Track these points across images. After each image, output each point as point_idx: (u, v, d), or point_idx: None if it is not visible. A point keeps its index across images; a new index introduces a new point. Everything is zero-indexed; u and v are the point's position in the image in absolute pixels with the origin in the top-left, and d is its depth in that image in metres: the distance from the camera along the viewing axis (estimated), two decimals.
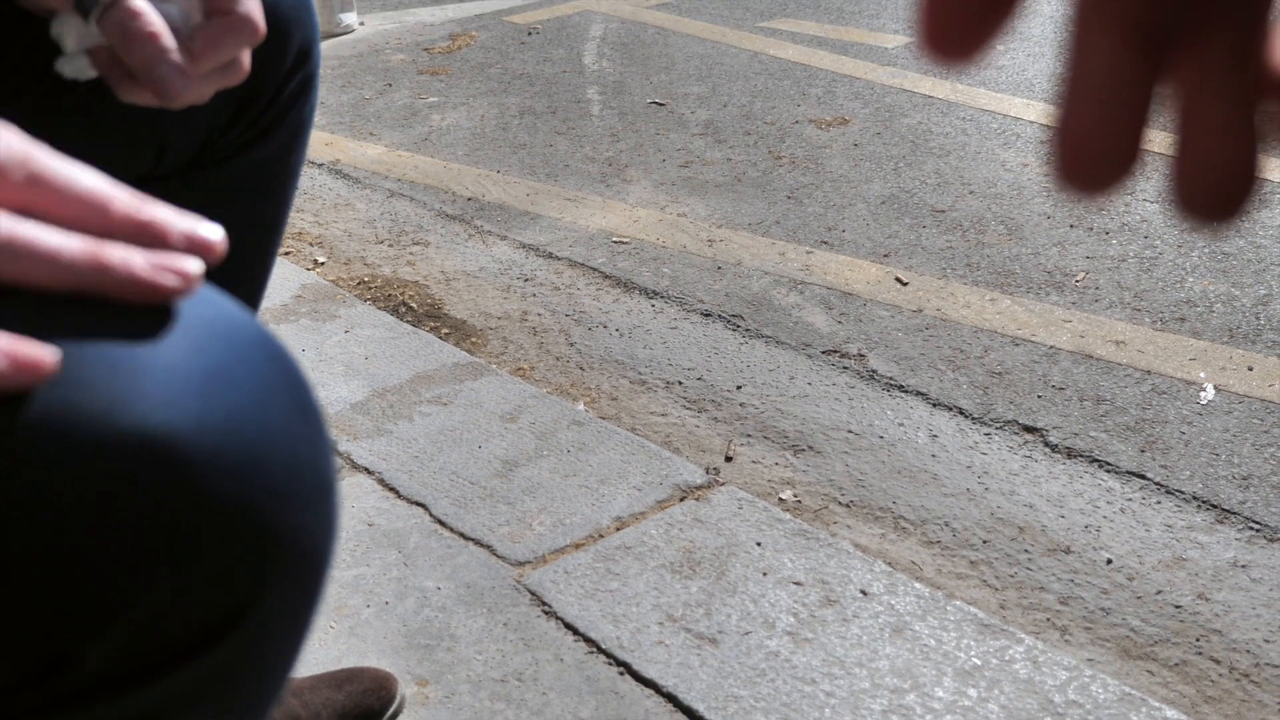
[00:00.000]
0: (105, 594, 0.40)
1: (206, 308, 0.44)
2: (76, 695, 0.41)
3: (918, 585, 1.40)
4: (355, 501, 1.56)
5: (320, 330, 2.06)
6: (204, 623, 0.42)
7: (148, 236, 0.43)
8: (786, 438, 1.82)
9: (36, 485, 0.38)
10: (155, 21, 0.57)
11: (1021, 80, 3.56)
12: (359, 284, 2.35)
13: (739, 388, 1.96)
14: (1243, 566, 1.51)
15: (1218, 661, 1.37)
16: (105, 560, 0.39)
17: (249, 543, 0.42)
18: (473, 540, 1.48)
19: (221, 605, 0.42)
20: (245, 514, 0.42)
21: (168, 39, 0.57)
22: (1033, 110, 3.29)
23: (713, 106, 3.44)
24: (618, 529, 1.50)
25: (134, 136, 0.75)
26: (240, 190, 0.83)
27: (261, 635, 0.44)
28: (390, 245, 2.54)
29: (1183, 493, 1.66)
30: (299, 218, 2.70)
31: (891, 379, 1.98)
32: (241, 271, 0.87)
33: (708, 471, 1.65)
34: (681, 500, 1.56)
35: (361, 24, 4.56)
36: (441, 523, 1.51)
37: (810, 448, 1.79)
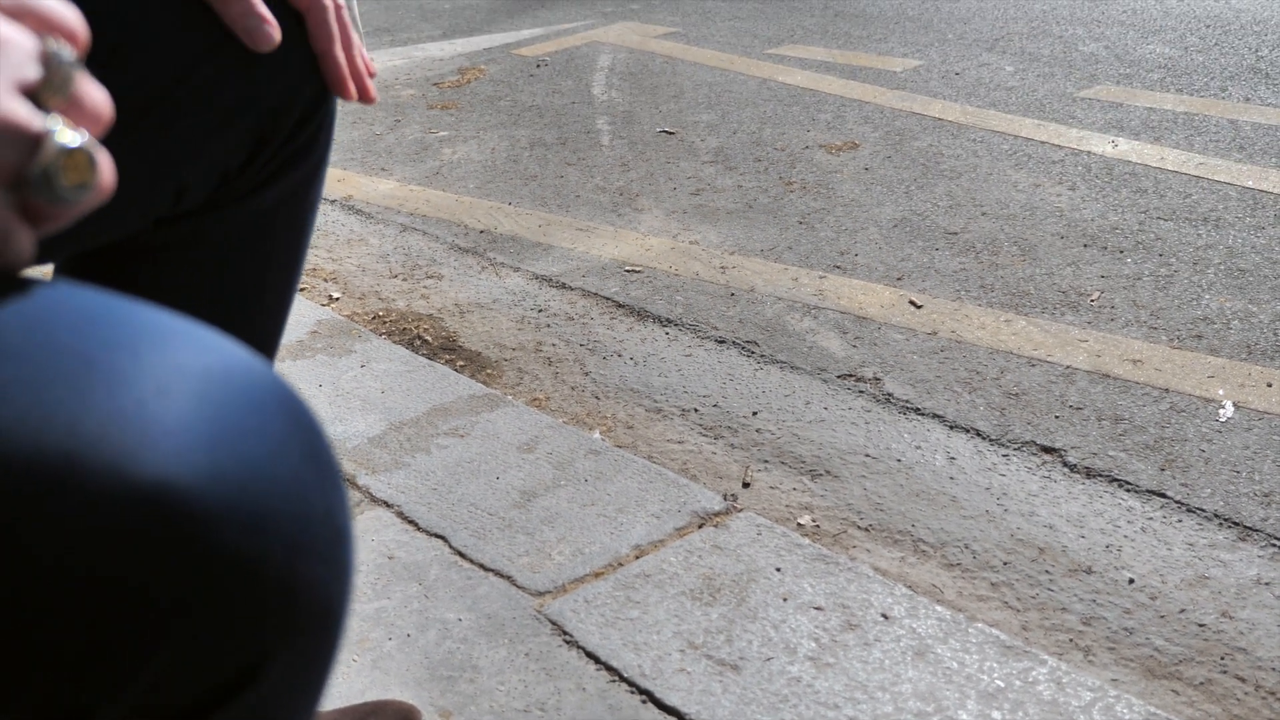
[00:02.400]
0: (117, 653, 0.39)
1: (216, 357, 0.44)
2: None
3: (939, 608, 1.39)
4: (375, 534, 1.56)
5: (336, 365, 2.07)
6: (219, 679, 0.41)
7: None
8: (804, 463, 1.82)
9: (44, 542, 0.38)
10: None
11: (1032, 101, 3.57)
12: (374, 318, 2.36)
13: (755, 414, 1.96)
14: (1266, 584, 1.50)
15: (1243, 679, 1.36)
16: (115, 618, 0.39)
17: (262, 597, 0.42)
18: (493, 571, 1.48)
19: (236, 661, 0.42)
20: (258, 568, 0.41)
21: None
22: (1044, 131, 3.30)
23: (722, 134, 3.46)
24: (637, 557, 1.50)
25: (152, 178, 0.76)
26: (259, 228, 0.84)
27: (278, 689, 0.44)
28: (404, 279, 2.56)
29: (1204, 511, 1.66)
30: (313, 254, 2.72)
31: (908, 402, 1.98)
32: (263, 307, 0.88)
33: (725, 498, 1.65)
34: (700, 527, 1.56)
35: (370, 59, 4.60)
36: (461, 554, 1.52)
37: (828, 472, 1.79)
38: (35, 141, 0.42)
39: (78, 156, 0.43)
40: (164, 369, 0.42)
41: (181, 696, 0.41)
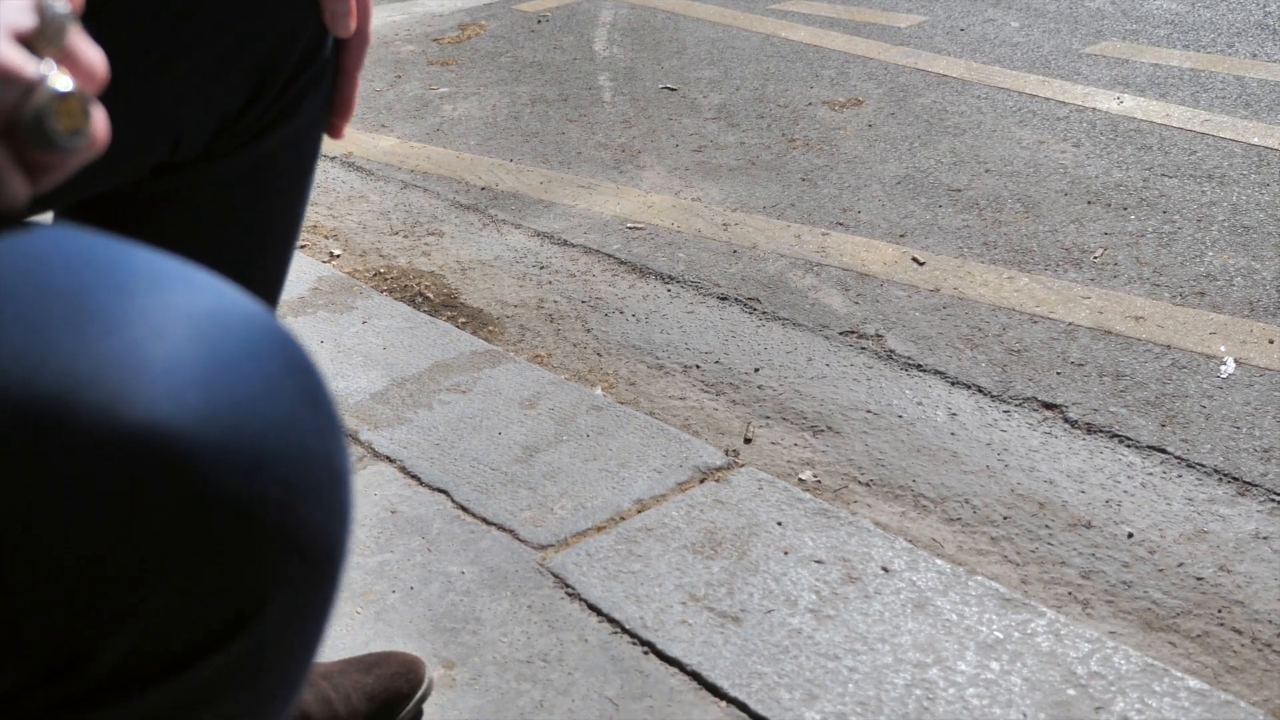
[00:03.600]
0: (114, 593, 0.39)
1: (211, 299, 0.44)
2: (91, 695, 0.40)
3: (939, 562, 1.40)
4: (378, 489, 1.57)
5: (338, 322, 2.07)
6: (217, 620, 0.42)
7: None
8: (805, 419, 1.82)
9: (37, 483, 0.38)
10: None
11: (1037, 57, 3.54)
12: (375, 275, 2.36)
13: (757, 370, 1.96)
14: (1264, 538, 1.51)
15: (1240, 632, 1.37)
16: (112, 558, 0.39)
17: (259, 538, 0.41)
18: (495, 525, 1.49)
19: (234, 602, 0.42)
20: (254, 509, 0.41)
21: None
22: (1049, 87, 3.28)
23: (725, 90, 3.44)
24: (639, 511, 1.51)
25: (149, 126, 0.76)
26: (258, 179, 0.83)
27: (277, 630, 0.44)
28: (405, 236, 2.55)
29: (1204, 466, 1.66)
30: (313, 211, 2.71)
31: (909, 358, 1.98)
32: (263, 261, 0.87)
33: (727, 453, 1.65)
34: (702, 482, 1.57)
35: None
36: (464, 508, 1.52)
37: (829, 428, 1.79)
38: (28, 86, 0.42)
39: (71, 102, 0.44)
40: (159, 310, 0.42)
41: (180, 638, 0.41)
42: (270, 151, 0.82)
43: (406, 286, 2.31)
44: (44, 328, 0.40)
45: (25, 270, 0.41)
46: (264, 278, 0.88)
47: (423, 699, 1.18)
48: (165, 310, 0.42)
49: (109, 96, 0.73)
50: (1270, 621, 1.38)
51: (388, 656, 1.17)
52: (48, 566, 0.38)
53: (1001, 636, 1.28)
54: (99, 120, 0.45)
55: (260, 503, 0.41)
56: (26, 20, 0.43)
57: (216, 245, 0.83)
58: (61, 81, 0.43)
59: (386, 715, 1.14)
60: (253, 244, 0.85)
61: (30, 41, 0.44)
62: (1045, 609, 1.32)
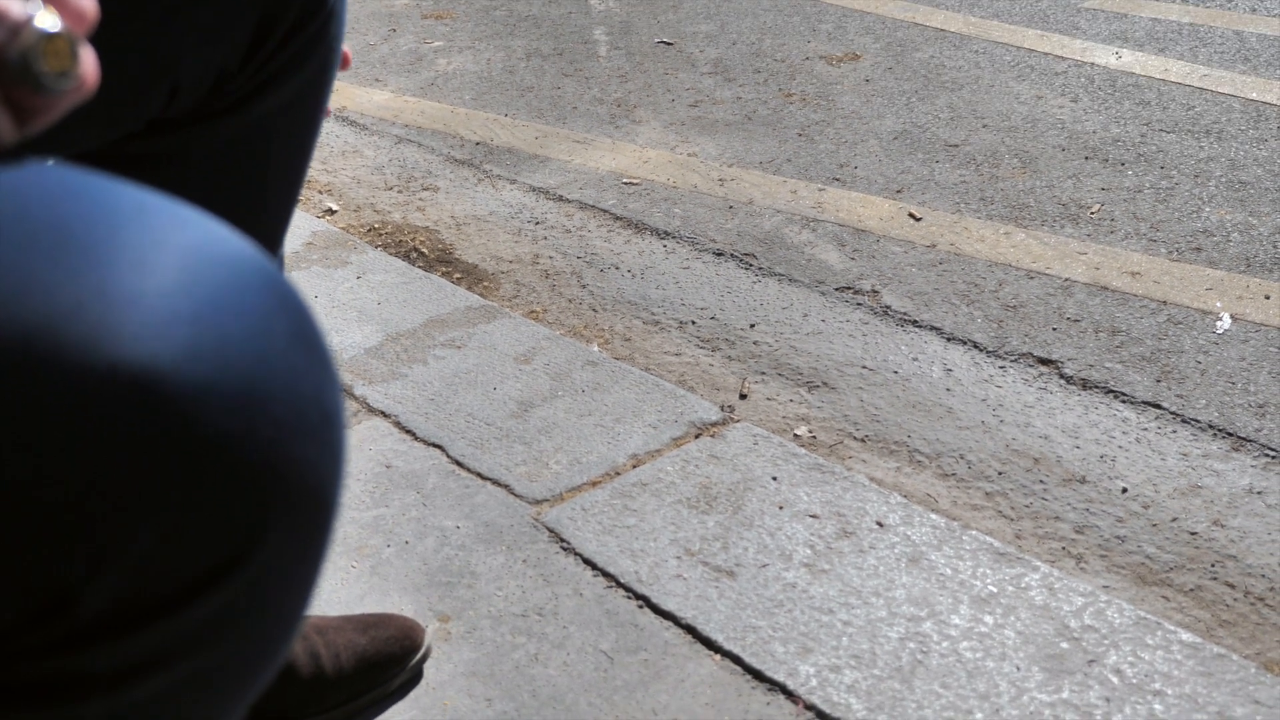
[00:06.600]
0: (98, 532, 0.38)
1: (198, 233, 0.43)
2: (78, 637, 0.40)
3: (933, 516, 1.41)
4: (373, 444, 1.57)
5: (332, 277, 2.06)
6: (207, 561, 0.41)
7: None
8: (801, 374, 1.82)
9: (18, 418, 0.37)
10: None
11: (1035, 12, 3.51)
12: (370, 230, 2.35)
13: (752, 326, 1.96)
14: (1258, 493, 1.51)
15: (1232, 586, 1.37)
16: (95, 497, 0.38)
17: (247, 479, 0.41)
18: (490, 480, 1.49)
19: (222, 543, 0.41)
20: (242, 448, 0.40)
21: None
22: (1047, 42, 3.25)
23: (721, 45, 3.41)
24: (634, 466, 1.51)
25: (144, 76, 0.75)
26: (256, 140, 0.81)
27: (268, 574, 0.43)
28: (400, 191, 2.53)
29: (1198, 421, 1.66)
30: None
31: (905, 314, 1.98)
32: (260, 223, 0.86)
33: (722, 409, 1.65)
34: (697, 437, 1.57)
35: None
36: (459, 463, 1.52)
37: (825, 384, 1.79)
38: (15, 27, 0.41)
39: (58, 43, 0.43)
40: (143, 244, 0.41)
41: (169, 579, 0.40)
42: (267, 113, 0.80)
43: (401, 241, 2.29)
44: (24, 260, 0.39)
45: (6, 202, 0.40)
46: (260, 239, 0.87)
47: (419, 664, 1.17)
48: (151, 243, 0.41)
49: (104, 41, 0.72)
50: (1263, 576, 1.38)
51: (388, 619, 1.16)
52: (28, 502, 0.38)
53: (995, 590, 1.28)
54: (88, 62, 0.44)
55: (249, 442, 0.40)
56: None
57: (210, 207, 0.82)
58: (49, 21, 0.42)
59: (375, 677, 1.13)
60: (248, 206, 0.83)
61: None
62: (1039, 563, 1.33)
